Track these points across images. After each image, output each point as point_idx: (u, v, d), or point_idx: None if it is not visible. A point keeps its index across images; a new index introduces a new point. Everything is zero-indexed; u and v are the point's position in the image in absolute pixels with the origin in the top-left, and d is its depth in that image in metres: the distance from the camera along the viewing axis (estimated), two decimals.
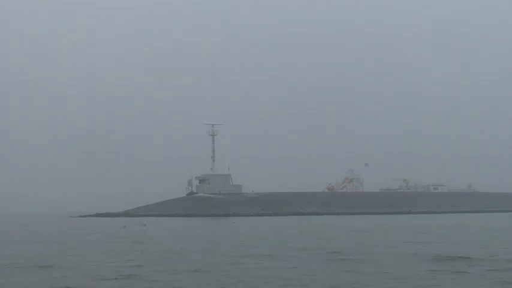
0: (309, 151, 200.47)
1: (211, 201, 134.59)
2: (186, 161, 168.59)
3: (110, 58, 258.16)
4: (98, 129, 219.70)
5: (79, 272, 28.09)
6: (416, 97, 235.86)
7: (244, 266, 29.82)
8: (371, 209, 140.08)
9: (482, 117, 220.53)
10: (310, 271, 27.68)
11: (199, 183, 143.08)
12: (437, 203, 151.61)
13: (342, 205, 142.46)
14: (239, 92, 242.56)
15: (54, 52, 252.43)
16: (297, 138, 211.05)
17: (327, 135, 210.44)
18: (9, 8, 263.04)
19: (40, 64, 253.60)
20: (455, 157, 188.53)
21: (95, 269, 29.01)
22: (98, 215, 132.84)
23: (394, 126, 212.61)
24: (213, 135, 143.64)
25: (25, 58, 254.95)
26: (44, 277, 26.66)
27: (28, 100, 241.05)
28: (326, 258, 33.30)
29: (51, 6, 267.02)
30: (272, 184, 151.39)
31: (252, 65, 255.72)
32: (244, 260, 32.59)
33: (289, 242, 45.73)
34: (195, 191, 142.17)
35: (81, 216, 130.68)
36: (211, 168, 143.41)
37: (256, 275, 26.42)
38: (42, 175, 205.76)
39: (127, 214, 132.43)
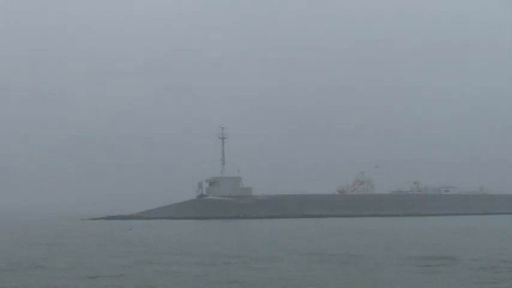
0: (318, 154, 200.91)
1: (221, 204, 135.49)
2: (197, 164, 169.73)
3: (110, 62, 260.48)
4: (102, 133, 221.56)
5: (68, 273, 29.17)
6: (418, 99, 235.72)
7: (227, 268, 30.81)
8: (381, 211, 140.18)
9: (485, 117, 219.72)
10: (287, 271, 28.62)
11: (210, 185, 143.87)
12: (447, 205, 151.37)
13: (351, 207, 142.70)
14: (246, 94, 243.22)
15: (55, 52, 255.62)
16: (306, 142, 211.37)
17: (337, 138, 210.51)
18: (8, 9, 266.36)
19: (42, 67, 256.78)
20: (467, 159, 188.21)
21: (85, 270, 30.06)
22: (109, 217, 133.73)
23: (404, 129, 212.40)
24: (222, 138, 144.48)
25: (26, 62, 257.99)
26: (36, 277, 27.77)
27: (28, 100, 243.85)
28: (311, 259, 34.25)
29: (52, 13, 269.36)
30: (282, 187, 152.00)
31: (255, 70, 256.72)
32: (232, 261, 33.58)
33: (282, 244, 46.60)
34: (205, 193, 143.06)
35: (93, 219, 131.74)
36: (221, 171, 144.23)
37: (232, 276, 27.39)
38: (49, 179, 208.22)
39: (138, 217, 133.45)
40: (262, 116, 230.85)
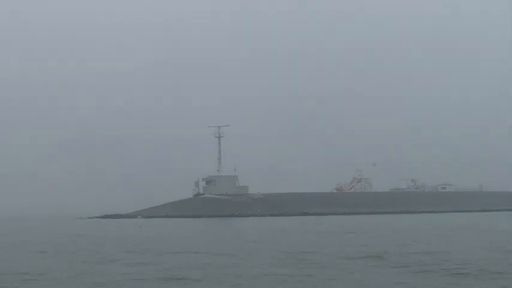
0: (317, 154, 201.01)
1: (217, 202, 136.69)
2: (194, 163, 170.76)
3: (110, 62, 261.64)
4: (100, 132, 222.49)
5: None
6: (419, 98, 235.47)
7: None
8: (378, 208, 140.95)
9: (485, 117, 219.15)
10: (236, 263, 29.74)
11: (206, 184, 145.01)
12: (445, 203, 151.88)
13: (348, 205, 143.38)
14: (246, 95, 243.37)
15: (53, 53, 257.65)
16: (305, 142, 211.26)
17: (335, 138, 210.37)
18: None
19: (41, 67, 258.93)
20: (465, 157, 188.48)
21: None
22: (106, 216, 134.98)
23: (400, 127, 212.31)
24: (219, 137, 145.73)
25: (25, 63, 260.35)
26: None
27: (28, 100, 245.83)
28: (275, 257, 35.56)
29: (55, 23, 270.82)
30: (279, 185, 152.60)
31: (256, 74, 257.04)
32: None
33: (252, 243, 47.65)
34: (201, 192, 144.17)
35: (90, 218, 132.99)
36: (217, 170, 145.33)
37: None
38: (49, 180, 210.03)
39: (135, 215, 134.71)
40: (262, 117, 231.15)
